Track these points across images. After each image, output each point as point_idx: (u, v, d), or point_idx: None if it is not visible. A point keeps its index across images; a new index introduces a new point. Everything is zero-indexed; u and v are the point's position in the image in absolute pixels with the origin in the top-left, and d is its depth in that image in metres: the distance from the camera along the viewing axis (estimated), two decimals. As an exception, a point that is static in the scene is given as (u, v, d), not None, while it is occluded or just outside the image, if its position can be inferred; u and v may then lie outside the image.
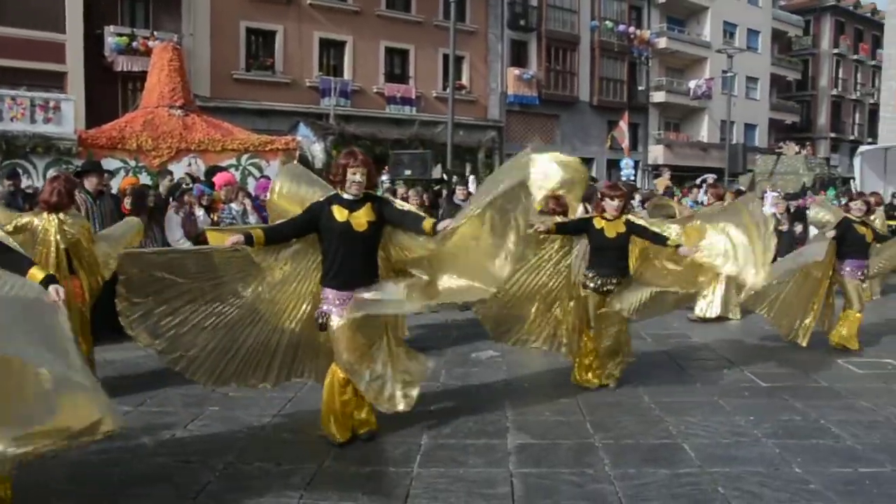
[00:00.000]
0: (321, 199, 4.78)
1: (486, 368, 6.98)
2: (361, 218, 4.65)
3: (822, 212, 9.38)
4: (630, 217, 6.36)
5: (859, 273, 8.01)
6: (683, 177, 26.21)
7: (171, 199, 8.86)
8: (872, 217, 10.62)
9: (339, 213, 4.64)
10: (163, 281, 4.36)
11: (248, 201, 9.14)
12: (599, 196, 6.42)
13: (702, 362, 7.40)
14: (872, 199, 11.92)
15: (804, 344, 7.73)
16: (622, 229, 6.15)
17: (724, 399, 6.02)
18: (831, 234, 7.94)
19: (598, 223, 6.20)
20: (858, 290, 8.02)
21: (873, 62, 48.92)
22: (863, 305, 8.07)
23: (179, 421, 5.22)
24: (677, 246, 6.11)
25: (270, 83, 25.24)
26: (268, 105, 24.59)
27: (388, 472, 4.39)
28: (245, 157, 14.31)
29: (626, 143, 31.78)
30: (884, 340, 8.64)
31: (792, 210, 15.67)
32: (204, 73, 23.69)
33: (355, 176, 4.65)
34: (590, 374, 6.26)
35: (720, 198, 9.64)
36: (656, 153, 36.47)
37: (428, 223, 4.60)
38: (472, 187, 15.69)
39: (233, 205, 9.00)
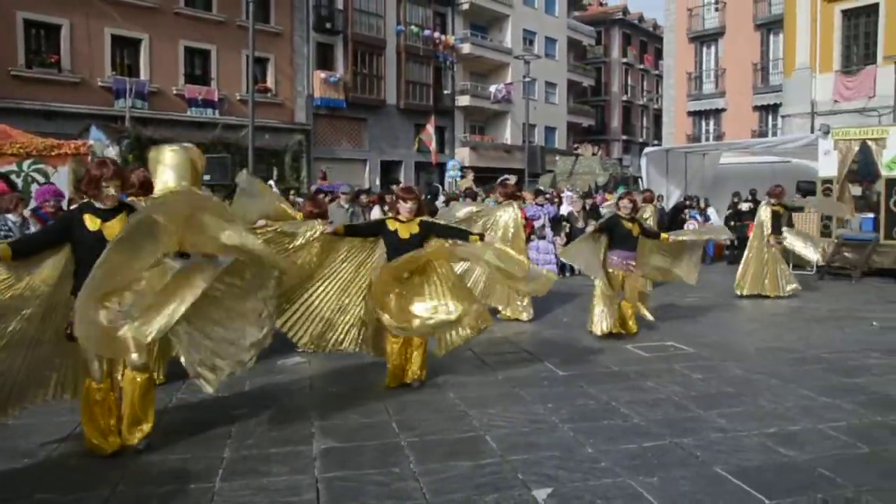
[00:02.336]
0: (72, 208, 4.59)
1: (291, 375, 6.85)
2: (115, 227, 4.51)
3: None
4: (425, 218, 6.47)
5: (626, 263, 8.69)
6: (488, 178, 27.14)
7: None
8: (647, 215, 11.56)
9: (92, 223, 4.49)
10: None
11: (27, 211, 8.38)
12: (394, 198, 6.50)
13: (503, 356, 7.66)
14: (640, 198, 13.03)
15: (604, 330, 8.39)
16: (416, 230, 6.25)
17: (524, 390, 6.28)
18: (590, 229, 8.60)
19: (392, 225, 6.28)
20: (628, 279, 8.71)
21: (656, 72, 53.19)
22: (633, 294, 8.77)
23: (-55, 458, 4.69)
24: (481, 235, 6.35)
25: (56, 82, 23.34)
26: (54, 106, 22.74)
27: (188, 489, 4.18)
28: (27, 162, 13.08)
29: (433, 146, 32.43)
30: (666, 325, 9.40)
31: (587, 208, 16.69)
32: (-26, 69, 21.56)
33: (109, 189, 4.52)
34: (398, 373, 6.32)
35: (509, 196, 10.00)
36: (462, 155, 37.50)
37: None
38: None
39: (9, 216, 8.21)
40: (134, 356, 4.58)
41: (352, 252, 6.37)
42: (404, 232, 6.22)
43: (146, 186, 5.32)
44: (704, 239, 9.70)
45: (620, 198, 9.25)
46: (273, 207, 7.01)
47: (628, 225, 8.69)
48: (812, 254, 12.61)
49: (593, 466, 4.49)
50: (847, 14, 25.73)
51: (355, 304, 6.36)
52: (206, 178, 15.03)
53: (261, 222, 6.32)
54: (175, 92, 26.12)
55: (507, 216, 9.40)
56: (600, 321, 8.41)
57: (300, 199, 12.31)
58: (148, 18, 25.39)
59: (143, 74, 25.43)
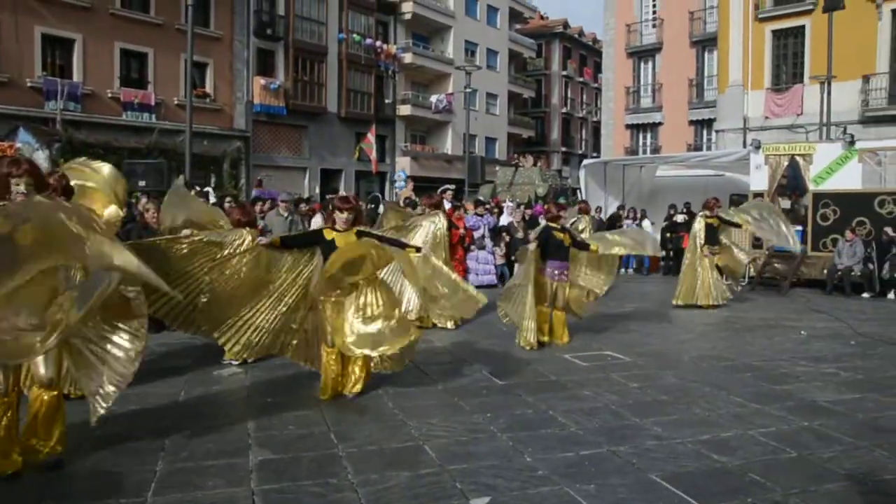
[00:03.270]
0: None
1: (227, 385, 6.72)
2: None
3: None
4: (361, 228, 6.46)
5: (559, 273, 8.85)
6: (428, 188, 27.14)
7: None
8: (582, 226, 11.73)
9: None
10: None
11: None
12: (331, 208, 6.50)
13: (443, 366, 7.66)
14: (577, 208, 13.26)
15: (532, 342, 8.44)
16: (353, 240, 6.22)
17: (463, 399, 6.28)
18: (532, 246, 8.77)
19: (329, 234, 6.25)
20: (560, 288, 8.87)
21: (595, 85, 54.11)
22: (565, 303, 8.95)
23: None
24: (418, 248, 6.46)
25: (-17, 81, 22.56)
26: (-21, 106, 21.97)
27: (119, 504, 4.05)
28: (-49, 164, 12.63)
29: (373, 156, 32.34)
30: (603, 335, 9.56)
31: (527, 218, 16.85)
32: None
33: (19, 186, 4.33)
34: (333, 385, 6.28)
35: (433, 206, 10.12)
36: (403, 165, 37.54)
37: None
38: (210, 199, 15.18)
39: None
40: (41, 371, 4.38)
41: (288, 262, 6.29)
42: (341, 242, 6.17)
43: (67, 191, 5.13)
44: (632, 253, 9.95)
45: (552, 208, 9.44)
46: (200, 215, 6.90)
47: (560, 235, 8.87)
48: (742, 264, 12.89)
49: (531, 475, 4.51)
50: (777, 34, 26.71)
51: (289, 314, 6.29)
52: (142, 183, 14.76)
53: (185, 231, 6.20)
54: (110, 95, 25.46)
55: (433, 226, 9.49)
56: (527, 335, 8.47)
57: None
58: (81, 18, 24.69)
59: (76, 76, 24.72)
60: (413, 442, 5.13)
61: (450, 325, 9.67)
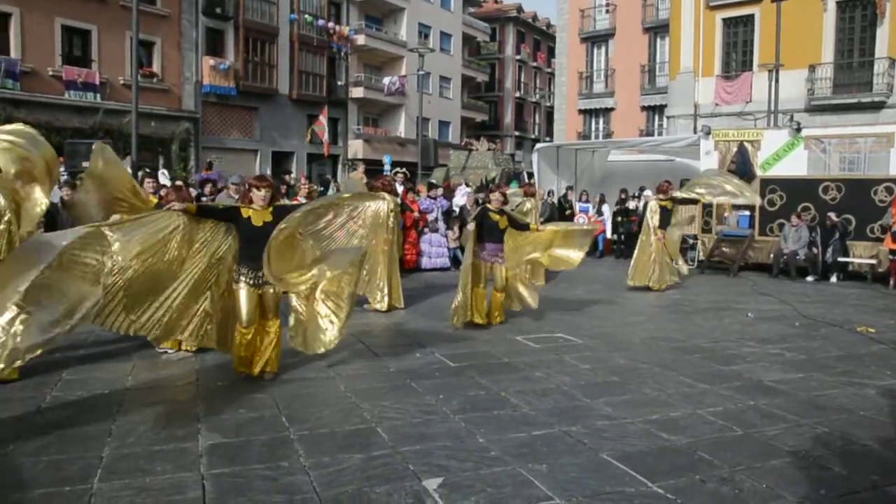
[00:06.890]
0: None
1: (177, 369, 6.59)
2: None
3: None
4: (278, 203, 6.39)
5: (493, 255, 8.94)
6: (381, 170, 27.04)
7: None
8: (527, 208, 11.78)
9: None
10: None
11: None
12: (247, 186, 6.40)
13: (395, 348, 7.65)
14: (523, 190, 13.35)
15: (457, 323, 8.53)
16: (270, 218, 6.11)
17: (416, 381, 6.27)
18: (471, 226, 8.87)
19: (246, 212, 6.14)
20: (497, 270, 8.95)
21: (549, 69, 54.30)
22: (503, 284, 9.02)
23: None
24: None
25: (-88, 58, 21.66)
26: None
27: (63, 492, 3.92)
28: None
29: (326, 138, 32.05)
30: (555, 317, 9.64)
31: (480, 202, 16.84)
32: None
33: None
34: (248, 365, 6.26)
35: (379, 189, 10.08)
36: (356, 147, 37.28)
37: None
38: (163, 180, 14.88)
39: None
40: None
41: (204, 243, 6.09)
42: (257, 220, 6.10)
43: None
44: (584, 229, 9.99)
45: (491, 191, 9.45)
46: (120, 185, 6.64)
47: (496, 217, 8.93)
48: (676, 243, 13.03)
49: (484, 455, 4.52)
50: (727, 22, 27.10)
51: (202, 296, 6.16)
52: (86, 164, 14.34)
53: (115, 217, 5.98)
54: (52, 73, 24.69)
55: (375, 206, 9.45)
56: (454, 315, 8.51)
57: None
58: (19, -7, 23.84)
59: (14, 52, 23.90)
60: (365, 424, 5.10)
61: (380, 306, 9.78)
